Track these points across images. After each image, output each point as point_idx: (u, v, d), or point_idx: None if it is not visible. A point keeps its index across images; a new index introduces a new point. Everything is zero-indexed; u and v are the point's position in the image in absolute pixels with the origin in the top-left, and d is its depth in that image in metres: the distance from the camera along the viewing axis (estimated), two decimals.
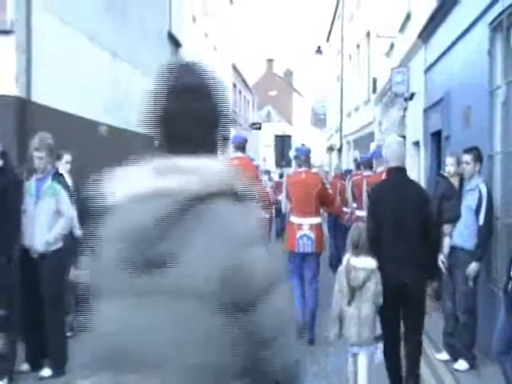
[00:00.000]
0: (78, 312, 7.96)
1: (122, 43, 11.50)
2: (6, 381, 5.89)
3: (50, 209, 6.17)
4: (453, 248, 6.73)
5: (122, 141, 11.25)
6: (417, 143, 12.53)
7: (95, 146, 9.81)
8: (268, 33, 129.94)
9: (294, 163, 9.98)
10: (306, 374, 1.48)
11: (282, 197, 9.08)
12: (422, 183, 11.28)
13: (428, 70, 11.17)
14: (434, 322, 7.76)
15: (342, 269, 5.33)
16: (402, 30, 14.08)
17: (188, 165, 1.64)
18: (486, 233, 6.39)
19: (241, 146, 8.34)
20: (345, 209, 12.07)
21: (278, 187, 15.77)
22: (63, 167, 7.84)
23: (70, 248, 7.00)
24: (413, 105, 12.91)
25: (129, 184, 1.67)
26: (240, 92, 35.96)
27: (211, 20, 23.59)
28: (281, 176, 17.75)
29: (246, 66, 38.48)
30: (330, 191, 8.91)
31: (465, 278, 6.44)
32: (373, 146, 11.56)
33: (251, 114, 42.65)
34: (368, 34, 20.91)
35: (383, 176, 8.82)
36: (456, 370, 6.52)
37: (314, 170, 9.28)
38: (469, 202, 6.53)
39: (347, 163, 24.98)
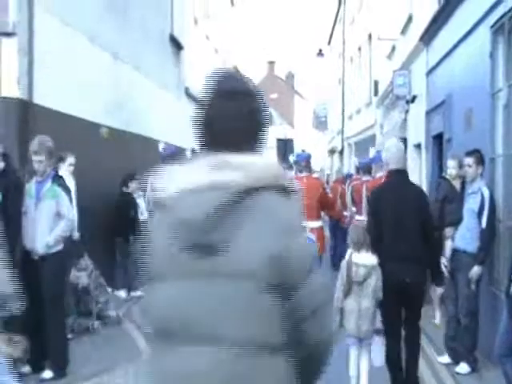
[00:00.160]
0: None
1: (123, 45, 11.50)
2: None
3: (50, 211, 6.17)
4: (455, 251, 6.72)
5: (122, 142, 11.25)
6: (418, 146, 12.52)
7: (96, 148, 9.81)
8: (269, 35, 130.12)
9: (294, 168, 10.04)
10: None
11: None
12: (424, 186, 11.27)
13: (430, 72, 11.17)
14: (435, 325, 7.76)
15: (344, 263, 5.53)
16: (403, 32, 14.08)
17: (237, 161, 1.84)
18: (489, 236, 6.38)
19: None
20: (345, 213, 12.12)
21: None
22: (66, 169, 7.87)
23: (71, 250, 7.01)
24: (414, 107, 12.91)
25: (186, 178, 1.86)
26: None
27: (213, 22, 23.60)
28: None
29: (248, 69, 38.48)
30: (331, 195, 8.98)
31: (467, 281, 6.43)
32: (372, 152, 11.57)
33: None
34: (370, 37, 20.92)
35: (382, 181, 8.90)
36: (457, 373, 6.51)
37: (315, 175, 9.33)
38: (471, 204, 6.52)
39: (348, 166, 24.98)
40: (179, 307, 1.82)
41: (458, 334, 6.65)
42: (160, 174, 1.94)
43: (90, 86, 9.71)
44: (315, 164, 33.62)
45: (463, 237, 6.60)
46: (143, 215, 11.04)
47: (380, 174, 9.51)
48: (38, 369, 6.19)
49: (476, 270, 6.35)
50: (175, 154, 8.80)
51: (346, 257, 5.57)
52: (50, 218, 6.16)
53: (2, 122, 7.39)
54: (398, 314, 5.63)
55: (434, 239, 5.77)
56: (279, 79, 67.38)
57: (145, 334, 1.99)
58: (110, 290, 8.92)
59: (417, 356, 5.78)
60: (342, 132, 30.20)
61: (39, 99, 7.87)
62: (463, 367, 6.51)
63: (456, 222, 6.79)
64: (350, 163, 24.33)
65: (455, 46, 8.90)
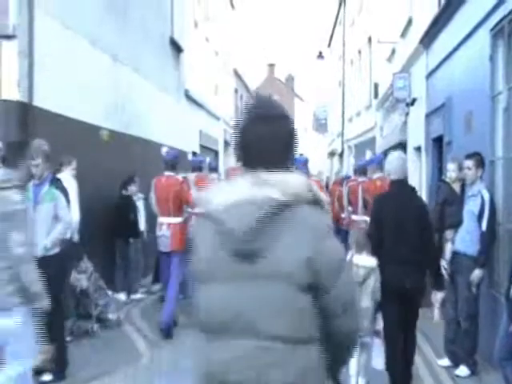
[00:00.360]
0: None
1: (123, 48, 11.51)
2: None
3: (48, 214, 6.18)
4: (455, 254, 6.72)
5: (122, 145, 11.26)
6: (418, 148, 12.53)
7: (96, 150, 9.81)
8: (269, 38, 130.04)
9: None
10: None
11: None
12: (424, 188, 11.29)
13: (430, 75, 11.18)
14: (435, 328, 7.74)
15: None
16: (403, 35, 14.09)
17: (274, 179, 2.12)
18: (489, 239, 6.38)
19: None
20: (342, 214, 12.21)
21: None
22: (70, 173, 7.90)
23: (70, 252, 7.01)
24: (414, 110, 12.92)
25: (230, 193, 2.16)
26: (241, 97, 35.97)
27: (213, 25, 23.61)
28: None
29: (248, 71, 38.51)
30: (328, 198, 8.99)
31: (467, 284, 6.43)
32: (368, 154, 11.64)
33: None
34: (369, 40, 20.94)
35: (377, 182, 9.01)
36: (457, 376, 6.51)
37: (314, 179, 9.37)
38: (471, 207, 6.52)
39: (348, 168, 24.98)
40: (226, 306, 2.10)
41: (458, 337, 6.65)
42: (208, 189, 2.29)
43: (89, 89, 9.72)
44: (314, 167, 33.63)
45: (463, 239, 6.60)
46: (142, 218, 11.08)
47: (376, 176, 9.59)
48: (37, 372, 6.17)
49: (477, 274, 6.35)
50: (178, 158, 8.81)
51: (347, 257, 5.63)
52: (48, 221, 6.17)
53: (2, 125, 7.39)
54: (397, 315, 5.70)
55: (433, 245, 5.86)
56: (279, 82, 67.41)
57: (194, 327, 2.25)
58: (110, 292, 8.91)
59: (412, 355, 5.95)
60: (342, 134, 30.21)
61: (39, 102, 7.87)
62: (463, 370, 6.51)
63: (456, 225, 6.79)
64: (350, 166, 24.33)
65: (455, 49, 8.91)
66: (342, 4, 30.00)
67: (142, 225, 11.08)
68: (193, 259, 2.24)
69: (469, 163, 6.59)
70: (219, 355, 2.12)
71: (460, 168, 7.15)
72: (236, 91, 33.05)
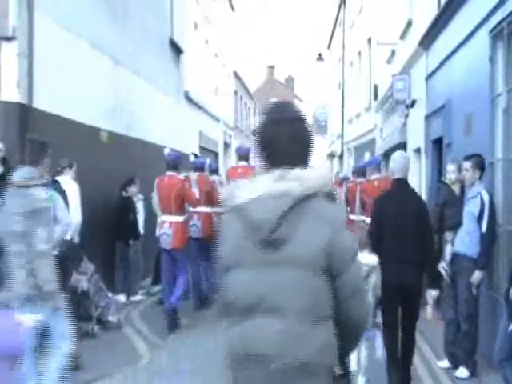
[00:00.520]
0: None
1: (123, 49, 11.52)
2: None
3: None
4: (455, 255, 6.72)
5: (122, 146, 11.26)
6: (418, 150, 12.52)
7: (96, 152, 9.82)
8: (269, 39, 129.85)
9: None
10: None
11: None
12: (424, 190, 11.29)
13: (429, 76, 11.18)
14: (435, 330, 7.75)
15: None
16: (403, 37, 14.09)
17: (294, 174, 2.38)
18: (489, 240, 6.38)
19: (244, 156, 8.70)
20: None
21: None
22: (71, 176, 7.92)
23: (71, 254, 7.01)
24: (414, 112, 12.92)
25: (255, 188, 2.42)
26: (241, 98, 36.00)
27: (212, 27, 23.63)
28: None
29: (248, 73, 38.55)
30: None
31: (466, 285, 6.43)
32: (367, 156, 11.69)
33: (253, 121, 42.67)
34: (369, 41, 20.93)
35: (375, 183, 9.12)
36: (457, 378, 6.51)
37: None
38: (471, 208, 6.52)
39: (347, 170, 24.96)
40: (253, 288, 2.36)
41: (458, 339, 6.64)
42: (234, 185, 2.54)
43: (89, 90, 9.73)
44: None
45: (463, 241, 6.60)
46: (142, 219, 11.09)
47: (374, 177, 9.68)
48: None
49: (477, 275, 6.35)
50: (179, 158, 9.00)
51: None
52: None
53: (2, 126, 7.40)
54: (396, 310, 5.92)
55: (432, 244, 5.99)
56: (279, 83, 67.45)
57: (220, 308, 2.52)
58: (110, 294, 8.91)
59: (411, 354, 6.07)
60: (341, 136, 30.19)
61: (39, 103, 7.88)
62: (463, 372, 6.50)
63: (455, 226, 6.80)
64: (350, 168, 24.33)
65: (455, 51, 8.91)
66: (342, 6, 29.99)
67: (142, 226, 11.08)
68: (220, 248, 2.50)
69: (467, 165, 6.60)
70: (249, 333, 2.36)
71: (459, 169, 7.16)
72: (236, 93, 33.07)
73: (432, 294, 6.07)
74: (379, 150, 17.76)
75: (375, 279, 5.57)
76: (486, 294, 6.72)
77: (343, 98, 29.66)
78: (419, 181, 12.15)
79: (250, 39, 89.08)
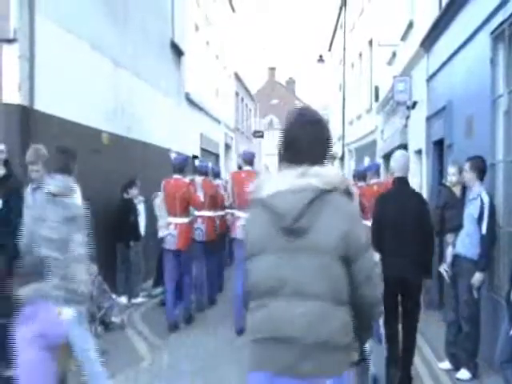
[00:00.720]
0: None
1: (124, 51, 11.53)
2: None
3: None
4: (456, 257, 6.72)
5: (123, 148, 11.27)
6: (419, 151, 12.52)
7: (97, 154, 9.82)
8: (270, 41, 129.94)
9: None
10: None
11: None
12: (425, 191, 11.28)
13: (430, 78, 11.18)
14: (436, 331, 7.75)
15: None
16: (403, 38, 14.09)
17: (315, 171, 2.65)
18: (489, 242, 6.38)
19: (249, 161, 8.97)
20: None
21: None
22: (73, 178, 7.90)
23: None
24: (415, 113, 12.92)
25: (279, 183, 2.68)
26: (242, 100, 36.00)
27: (213, 28, 23.65)
28: None
29: (248, 75, 38.51)
30: None
31: (467, 287, 6.43)
32: (366, 161, 11.74)
33: (254, 123, 42.69)
34: (370, 43, 20.93)
35: (374, 187, 9.28)
36: (458, 380, 6.51)
37: None
38: (471, 210, 6.52)
39: (348, 172, 24.94)
40: (276, 273, 2.60)
41: (459, 340, 6.64)
42: (260, 180, 2.79)
43: (90, 92, 9.74)
44: None
45: (463, 242, 6.60)
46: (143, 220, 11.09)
47: (373, 181, 9.80)
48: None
49: (478, 277, 6.35)
50: (186, 161, 9.40)
51: None
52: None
53: (3, 128, 7.41)
54: (396, 308, 6.11)
55: (432, 241, 6.22)
56: (280, 85, 67.50)
57: (248, 293, 2.76)
58: (114, 296, 8.94)
59: (412, 353, 6.17)
60: (342, 138, 30.18)
61: (40, 105, 7.88)
62: (464, 373, 6.50)
63: (456, 228, 6.80)
64: (351, 169, 24.31)
65: (456, 52, 8.91)
66: (343, 7, 30.00)
67: (143, 228, 11.08)
68: (246, 238, 2.77)
69: (466, 166, 6.66)
70: (273, 315, 2.60)
71: (460, 172, 7.18)
72: (237, 94, 33.07)
73: (426, 283, 6.35)
74: (380, 151, 17.76)
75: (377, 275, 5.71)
76: (486, 296, 6.72)
77: (344, 99, 29.66)
78: (420, 182, 12.15)
79: (251, 41, 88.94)
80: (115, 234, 10.33)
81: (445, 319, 7.39)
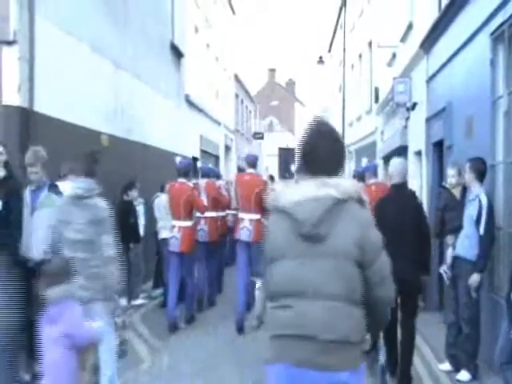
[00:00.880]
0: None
1: (124, 53, 11.53)
2: None
3: (47, 219, 6.18)
4: (455, 258, 6.72)
5: (123, 150, 11.26)
6: (419, 153, 12.51)
7: (97, 155, 9.80)
8: (270, 42, 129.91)
9: (295, 177, 10.21)
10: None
11: None
12: (425, 192, 11.28)
13: (430, 79, 11.18)
14: (436, 332, 7.74)
15: None
16: (403, 39, 14.09)
17: (332, 182, 2.87)
18: (487, 243, 6.38)
19: (252, 164, 9.13)
20: None
21: None
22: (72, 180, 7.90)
23: None
24: (415, 114, 12.91)
25: (299, 192, 2.89)
26: (242, 102, 36.01)
27: (213, 30, 23.65)
28: None
29: (248, 76, 38.56)
30: None
31: (466, 289, 6.43)
32: (364, 161, 11.74)
33: (253, 124, 42.69)
34: (370, 44, 20.93)
35: (373, 187, 9.38)
36: (458, 381, 6.50)
37: None
38: (470, 211, 6.53)
39: (348, 173, 24.93)
40: (296, 276, 2.82)
41: (459, 342, 6.64)
42: (279, 190, 2.99)
43: (90, 94, 9.74)
44: None
45: (463, 244, 6.61)
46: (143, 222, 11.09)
47: (371, 181, 9.85)
48: (37, 377, 6.15)
49: (475, 278, 6.34)
50: (190, 165, 9.69)
51: None
52: (46, 226, 6.17)
53: (3, 130, 7.40)
54: (395, 308, 6.00)
55: (429, 242, 6.42)
56: (280, 86, 67.49)
57: (267, 294, 3.01)
58: (116, 296, 8.92)
59: (411, 353, 6.25)
60: (342, 139, 30.16)
61: (40, 107, 7.88)
62: (464, 375, 6.49)
63: (456, 230, 6.81)
64: (350, 171, 24.30)
65: (455, 54, 8.91)
66: (343, 8, 30.00)
67: (142, 230, 11.08)
68: (267, 243, 2.96)
69: (466, 166, 6.67)
70: (296, 315, 2.80)
71: (460, 173, 7.19)
72: (237, 96, 33.08)
73: (424, 279, 6.45)
74: (380, 152, 17.75)
75: None
76: (486, 297, 6.72)
77: (344, 100, 29.64)
78: (420, 183, 12.14)
79: (251, 42, 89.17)
80: (115, 236, 10.30)
81: (445, 321, 7.39)
